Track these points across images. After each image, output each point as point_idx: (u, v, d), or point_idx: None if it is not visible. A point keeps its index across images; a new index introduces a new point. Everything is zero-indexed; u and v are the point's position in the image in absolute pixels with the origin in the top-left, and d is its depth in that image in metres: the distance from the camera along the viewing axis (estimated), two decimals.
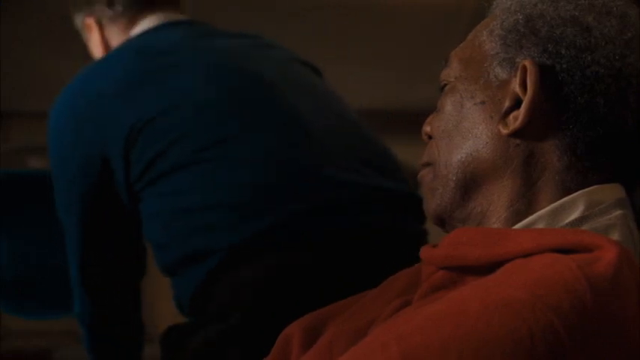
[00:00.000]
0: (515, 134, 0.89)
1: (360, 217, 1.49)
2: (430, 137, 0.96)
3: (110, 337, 1.72)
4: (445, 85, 0.96)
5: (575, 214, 0.86)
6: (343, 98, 1.68)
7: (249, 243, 1.45)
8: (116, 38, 1.71)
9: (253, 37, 1.71)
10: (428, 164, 0.96)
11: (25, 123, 3.37)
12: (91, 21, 1.73)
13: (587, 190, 0.87)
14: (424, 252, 0.92)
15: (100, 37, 1.73)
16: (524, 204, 0.89)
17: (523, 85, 0.88)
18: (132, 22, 1.69)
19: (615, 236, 0.85)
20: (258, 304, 1.42)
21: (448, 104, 0.94)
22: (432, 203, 0.94)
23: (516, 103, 0.89)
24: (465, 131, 0.92)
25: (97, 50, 1.75)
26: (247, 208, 1.47)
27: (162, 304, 1.66)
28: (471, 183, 0.91)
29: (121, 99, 1.54)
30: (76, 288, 1.66)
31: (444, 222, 0.94)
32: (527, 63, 0.88)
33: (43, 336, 4.00)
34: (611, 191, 0.88)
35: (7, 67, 3.15)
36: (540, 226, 0.87)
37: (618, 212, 0.87)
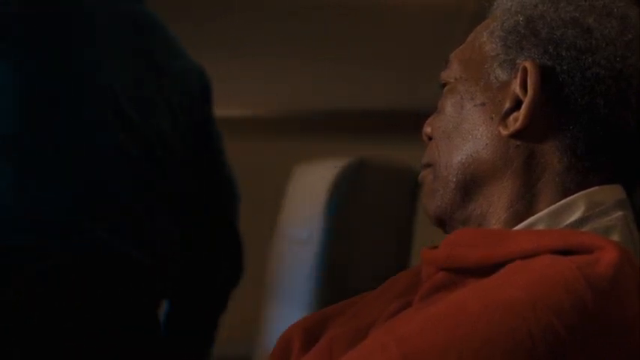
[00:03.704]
0: (515, 135, 0.89)
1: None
2: (430, 138, 0.97)
3: None
4: (445, 86, 0.96)
5: (575, 216, 0.86)
6: None
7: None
8: None
9: None
10: (428, 165, 0.96)
11: None
12: None
13: (587, 191, 0.87)
14: (425, 253, 0.92)
15: None
16: (524, 205, 0.89)
17: (523, 86, 0.88)
18: None
19: (615, 237, 0.85)
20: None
21: (448, 105, 0.94)
22: (433, 204, 0.94)
23: (516, 105, 0.89)
24: (465, 132, 0.92)
25: None
26: None
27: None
28: (471, 184, 0.91)
29: None
30: None
31: (444, 223, 0.94)
32: (528, 64, 0.88)
33: None
34: (612, 192, 0.88)
35: None
36: (540, 227, 0.87)
37: (618, 213, 0.87)
